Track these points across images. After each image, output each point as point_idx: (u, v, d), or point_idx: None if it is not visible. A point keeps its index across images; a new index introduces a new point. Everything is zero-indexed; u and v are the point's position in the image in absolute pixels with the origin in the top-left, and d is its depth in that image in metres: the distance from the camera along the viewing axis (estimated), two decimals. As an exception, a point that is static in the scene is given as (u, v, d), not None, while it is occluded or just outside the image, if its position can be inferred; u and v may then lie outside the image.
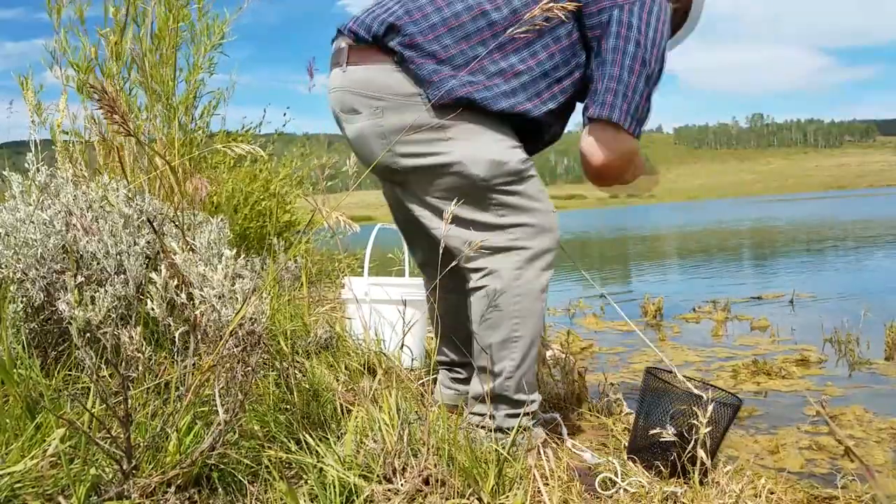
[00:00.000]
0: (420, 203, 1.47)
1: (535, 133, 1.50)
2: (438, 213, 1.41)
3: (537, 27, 1.29)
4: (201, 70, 2.78)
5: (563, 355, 2.09)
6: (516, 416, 1.44)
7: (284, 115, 4.73)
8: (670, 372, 1.53)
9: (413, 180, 1.45)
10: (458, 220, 1.39)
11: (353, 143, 1.50)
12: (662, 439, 1.34)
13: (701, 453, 1.28)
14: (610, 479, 1.33)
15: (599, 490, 1.31)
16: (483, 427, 1.45)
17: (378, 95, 1.38)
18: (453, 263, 1.43)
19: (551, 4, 1.25)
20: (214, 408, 1.05)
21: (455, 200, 1.35)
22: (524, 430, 1.42)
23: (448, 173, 1.39)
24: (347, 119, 1.46)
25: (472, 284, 1.45)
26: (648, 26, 1.32)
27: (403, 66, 1.36)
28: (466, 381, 1.81)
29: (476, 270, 1.44)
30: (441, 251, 1.38)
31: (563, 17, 1.27)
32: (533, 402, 1.48)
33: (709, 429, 1.27)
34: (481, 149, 1.38)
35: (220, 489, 1.06)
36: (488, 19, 1.36)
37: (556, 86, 1.42)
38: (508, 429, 1.42)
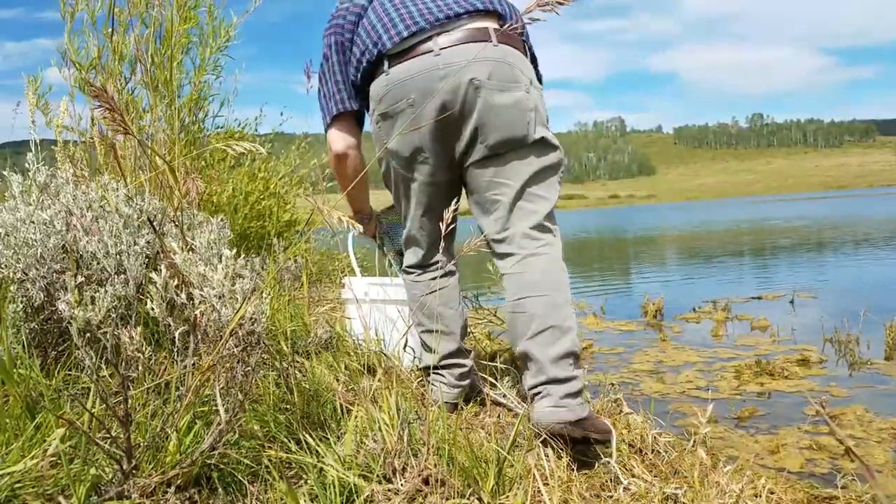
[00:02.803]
0: (512, 175, 1.57)
1: None
2: (524, 186, 1.57)
3: (531, 22, 1.41)
4: (206, 72, 2.78)
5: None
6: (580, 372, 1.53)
7: (282, 114, 4.72)
8: None
9: (530, 153, 1.56)
10: (536, 198, 1.58)
11: (499, 111, 1.51)
12: None
13: (701, 453, 1.28)
14: (613, 478, 1.33)
15: (600, 461, 1.31)
16: (576, 394, 1.46)
17: (528, 76, 1.56)
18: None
19: (547, 0, 1.31)
20: (214, 408, 1.05)
21: (540, 180, 1.58)
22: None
23: (556, 157, 1.60)
24: (501, 87, 1.51)
25: (528, 252, 1.56)
26: None
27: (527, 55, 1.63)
28: (468, 374, 1.80)
29: (536, 239, 1.58)
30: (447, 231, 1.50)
31: (558, 12, 1.38)
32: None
33: None
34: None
35: (220, 489, 1.06)
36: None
37: None
38: (581, 388, 1.51)
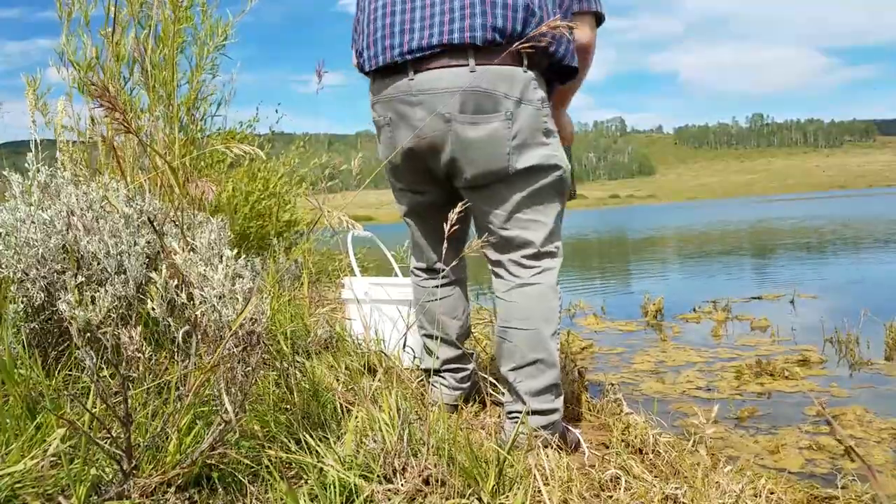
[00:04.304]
0: (499, 204, 1.50)
1: None
2: (512, 213, 1.50)
3: (542, 43, 1.38)
4: (203, 71, 2.78)
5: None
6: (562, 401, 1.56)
7: (276, 111, 4.70)
8: None
9: (516, 181, 1.46)
10: (522, 222, 1.50)
11: (472, 145, 1.43)
12: None
13: (702, 454, 1.28)
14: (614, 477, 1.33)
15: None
16: (551, 425, 1.51)
17: (515, 95, 1.41)
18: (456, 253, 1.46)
19: (559, 24, 1.30)
20: (214, 408, 1.05)
21: (532, 203, 1.48)
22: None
23: (551, 177, 1.49)
24: (473, 120, 1.41)
25: (521, 281, 1.52)
26: None
27: (533, 69, 1.44)
28: (469, 377, 1.81)
29: (530, 267, 1.52)
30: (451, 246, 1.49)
31: (567, 35, 1.37)
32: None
33: None
34: (564, 158, 1.53)
35: (220, 489, 1.06)
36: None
37: None
38: (559, 420, 1.54)
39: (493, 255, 1.56)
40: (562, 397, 1.55)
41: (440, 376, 1.79)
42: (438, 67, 1.41)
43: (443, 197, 1.61)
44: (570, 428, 1.61)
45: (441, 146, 1.45)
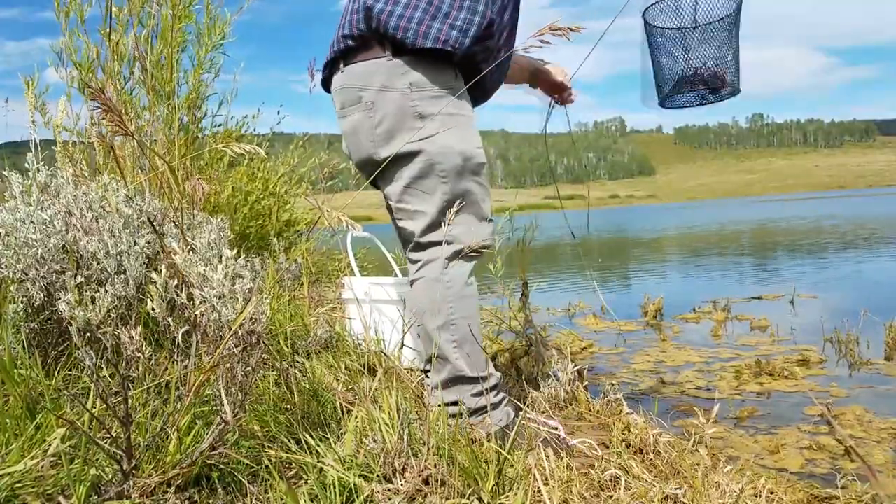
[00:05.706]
0: (389, 194, 1.56)
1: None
2: (397, 202, 1.54)
3: (540, 47, 1.39)
4: (204, 70, 2.78)
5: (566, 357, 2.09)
6: (481, 393, 1.52)
7: (279, 112, 4.70)
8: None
9: (387, 171, 1.52)
10: (408, 213, 1.52)
11: (349, 135, 1.58)
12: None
13: (702, 454, 1.28)
14: (613, 477, 1.33)
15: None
16: (456, 416, 1.50)
17: (376, 86, 1.46)
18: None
19: (560, 26, 1.29)
20: (214, 408, 1.05)
21: (412, 191, 1.49)
22: (494, 406, 1.51)
23: (422, 163, 1.47)
24: (346, 113, 1.55)
25: (411, 278, 1.56)
26: None
27: (405, 55, 1.46)
28: None
29: (415, 262, 1.56)
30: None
31: (569, 38, 1.38)
32: (490, 376, 1.55)
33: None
34: (451, 141, 1.47)
35: (220, 489, 1.06)
36: None
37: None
38: (480, 409, 1.51)
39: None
40: (473, 393, 1.51)
41: (426, 375, 1.80)
42: (333, 74, 1.59)
43: None
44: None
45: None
